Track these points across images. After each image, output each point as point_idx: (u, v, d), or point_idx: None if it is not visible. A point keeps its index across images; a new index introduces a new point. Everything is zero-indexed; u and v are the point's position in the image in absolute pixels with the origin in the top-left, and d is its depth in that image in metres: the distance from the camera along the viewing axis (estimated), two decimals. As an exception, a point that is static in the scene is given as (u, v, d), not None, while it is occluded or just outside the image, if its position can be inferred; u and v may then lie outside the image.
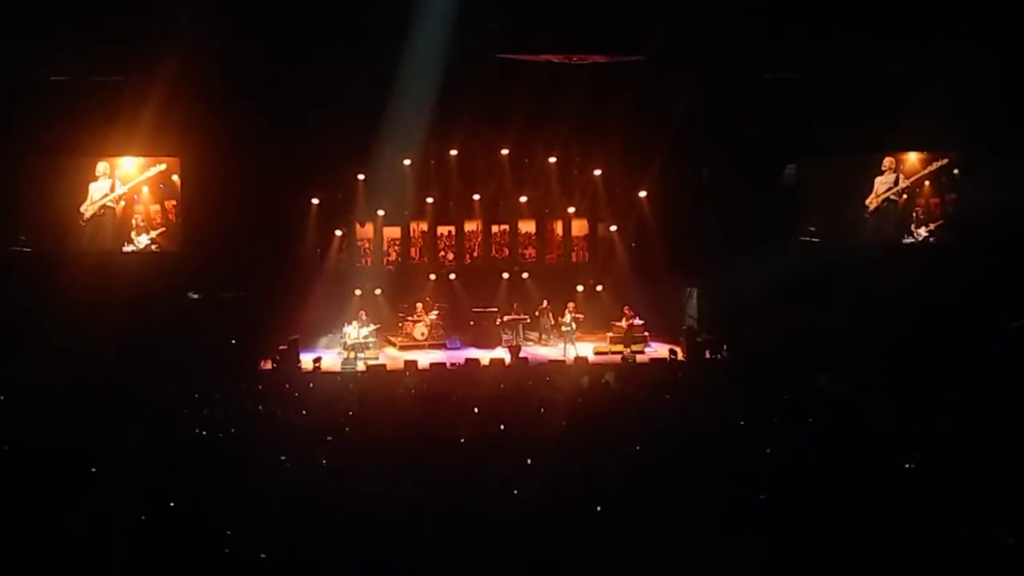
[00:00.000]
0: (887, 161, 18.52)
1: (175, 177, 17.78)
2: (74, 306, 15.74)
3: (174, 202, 17.81)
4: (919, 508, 6.48)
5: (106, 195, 17.66)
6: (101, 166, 17.63)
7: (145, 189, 17.79)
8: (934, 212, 18.59)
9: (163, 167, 17.73)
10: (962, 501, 6.55)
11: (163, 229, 17.82)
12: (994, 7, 15.24)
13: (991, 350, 14.08)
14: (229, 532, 6.14)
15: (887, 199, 18.57)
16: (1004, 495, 6.62)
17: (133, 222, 17.78)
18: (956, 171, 18.41)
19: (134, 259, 17.81)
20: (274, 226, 17.72)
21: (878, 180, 18.59)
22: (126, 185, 17.69)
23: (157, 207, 17.81)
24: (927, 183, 18.50)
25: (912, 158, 18.57)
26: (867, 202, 18.59)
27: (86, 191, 17.60)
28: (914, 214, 18.61)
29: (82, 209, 17.59)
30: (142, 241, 17.82)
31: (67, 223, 17.64)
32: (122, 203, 17.71)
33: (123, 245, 17.84)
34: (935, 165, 18.43)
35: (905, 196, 18.56)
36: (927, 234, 18.59)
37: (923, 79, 16.39)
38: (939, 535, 6.00)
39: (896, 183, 18.51)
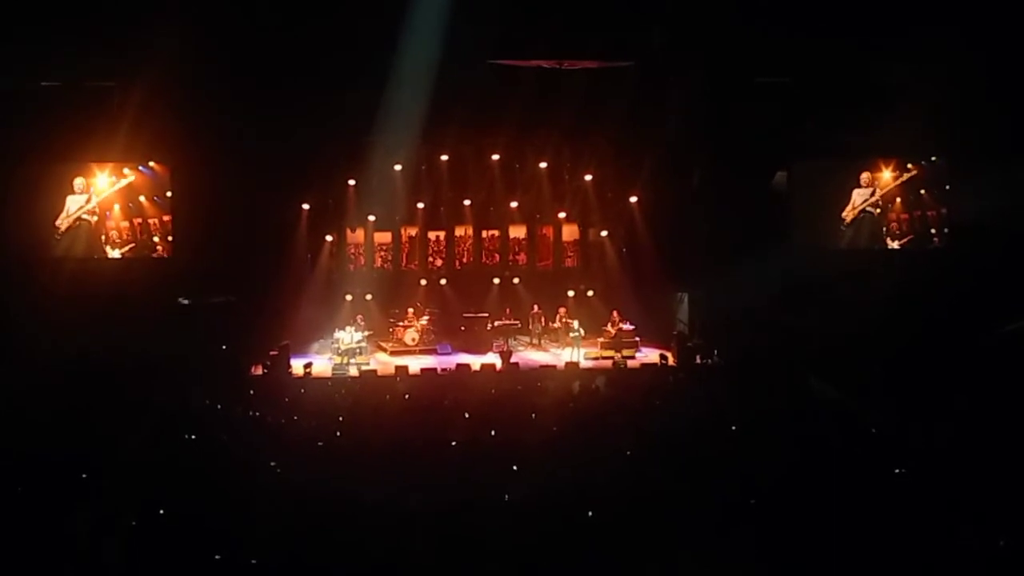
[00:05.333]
0: (865, 176, 18.72)
1: (142, 198, 18.01)
2: (64, 311, 15.70)
3: (141, 220, 18.06)
4: (915, 512, 6.50)
5: (81, 207, 17.78)
6: (78, 181, 17.73)
7: (116, 207, 17.97)
8: (904, 227, 18.86)
9: (131, 179, 17.91)
10: (960, 505, 6.56)
11: (132, 244, 18.07)
12: (987, 12, 15.29)
13: (988, 349, 14.13)
14: (220, 537, 6.13)
15: (863, 210, 18.75)
16: (1002, 498, 6.64)
17: (103, 237, 17.96)
18: (923, 191, 18.78)
19: (124, 264, 17.84)
20: (265, 231, 17.73)
21: (855, 192, 18.81)
22: (99, 197, 17.82)
23: (127, 224, 18.06)
24: (898, 199, 18.77)
25: (887, 176, 18.76)
26: (844, 214, 18.82)
27: (65, 201, 17.74)
28: (885, 228, 18.89)
29: (58, 223, 17.69)
30: (114, 255, 18.00)
31: (50, 229, 17.72)
32: (95, 217, 17.87)
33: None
34: (906, 176, 18.74)
35: (879, 210, 18.80)
36: (898, 248, 18.81)
37: (916, 84, 16.44)
38: (936, 538, 6.02)
39: (873, 195, 18.72)
